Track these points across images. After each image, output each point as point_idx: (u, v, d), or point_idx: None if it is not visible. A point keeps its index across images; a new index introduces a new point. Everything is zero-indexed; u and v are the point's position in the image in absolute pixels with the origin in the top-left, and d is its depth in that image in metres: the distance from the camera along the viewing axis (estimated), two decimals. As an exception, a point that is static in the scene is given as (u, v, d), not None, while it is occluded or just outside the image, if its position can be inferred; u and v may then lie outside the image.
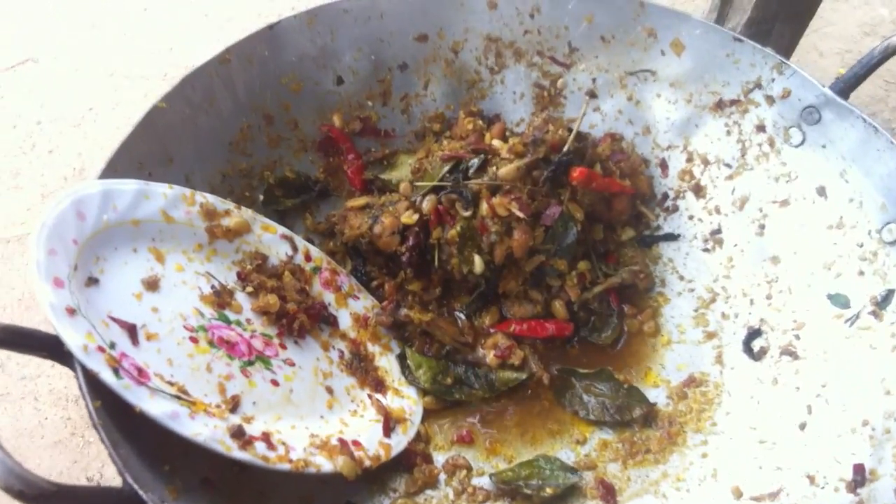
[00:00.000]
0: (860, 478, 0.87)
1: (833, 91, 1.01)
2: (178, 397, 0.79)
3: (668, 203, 1.12)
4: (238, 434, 0.80)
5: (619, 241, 1.10)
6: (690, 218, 1.11)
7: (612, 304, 1.07)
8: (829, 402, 0.94)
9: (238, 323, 0.91)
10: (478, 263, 1.01)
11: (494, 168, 1.02)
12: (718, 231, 1.09)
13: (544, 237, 1.01)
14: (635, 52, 1.10)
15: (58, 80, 1.70)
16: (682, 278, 1.09)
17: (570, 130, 1.07)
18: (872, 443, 0.89)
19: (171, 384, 0.80)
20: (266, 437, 0.83)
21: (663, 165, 1.12)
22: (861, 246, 0.99)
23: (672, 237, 1.11)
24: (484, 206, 1.00)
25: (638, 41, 1.10)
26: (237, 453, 0.79)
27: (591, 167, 1.04)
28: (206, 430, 0.78)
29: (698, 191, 1.11)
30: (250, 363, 0.89)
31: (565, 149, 1.02)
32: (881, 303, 0.96)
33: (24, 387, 1.19)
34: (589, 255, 1.06)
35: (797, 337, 1.00)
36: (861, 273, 0.98)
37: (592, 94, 1.13)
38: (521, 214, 0.98)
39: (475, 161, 1.03)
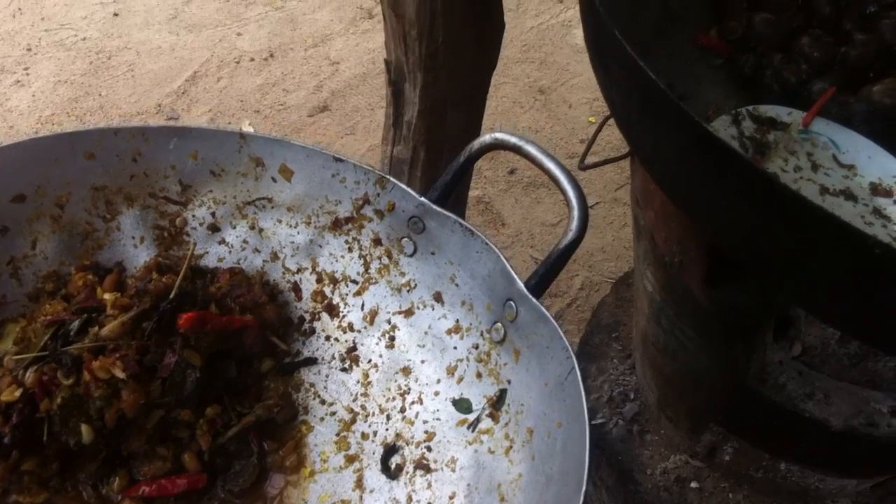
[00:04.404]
0: None
1: (430, 200, 1.03)
2: None
3: (305, 326, 1.11)
4: None
5: (260, 373, 1.08)
6: (328, 339, 1.10)
7: (253, 443, 1.04)
8: (455, 515, 0.95)
9: None
10: (85, 433, 0.95)
11: (97, 327, 0.98)
12: (354, 348, 1.08)
13: (162, 390, 0.98)
14: (248, 182, 1.10)
15: None
16: (324, 402, 1.07)
17: (190, 272, 1.05)
18: (490, 555, 0.89)
19: None
20: None
21: (296, 289, 1.11)
22: (477, 348, 1.01)
23: (311, 361, 1.09)
24: (85, 372, 0.96)
25: (248, 171, 1.09)
26: None
27: (206, 308, 1.02)
28: None
29: (332, 310, 1.10)
30: None
31: (171, 295, 1.00)
32: (496, 403, 0.98)
33: None
34: (221, 398, 1.03)
35: (429, 448, 1.00)
36: (479, 375, 1.00)
37: (215, 228, 1.11)
38: (121, 375, 0.95)
39: (76, 323, 0.99)
